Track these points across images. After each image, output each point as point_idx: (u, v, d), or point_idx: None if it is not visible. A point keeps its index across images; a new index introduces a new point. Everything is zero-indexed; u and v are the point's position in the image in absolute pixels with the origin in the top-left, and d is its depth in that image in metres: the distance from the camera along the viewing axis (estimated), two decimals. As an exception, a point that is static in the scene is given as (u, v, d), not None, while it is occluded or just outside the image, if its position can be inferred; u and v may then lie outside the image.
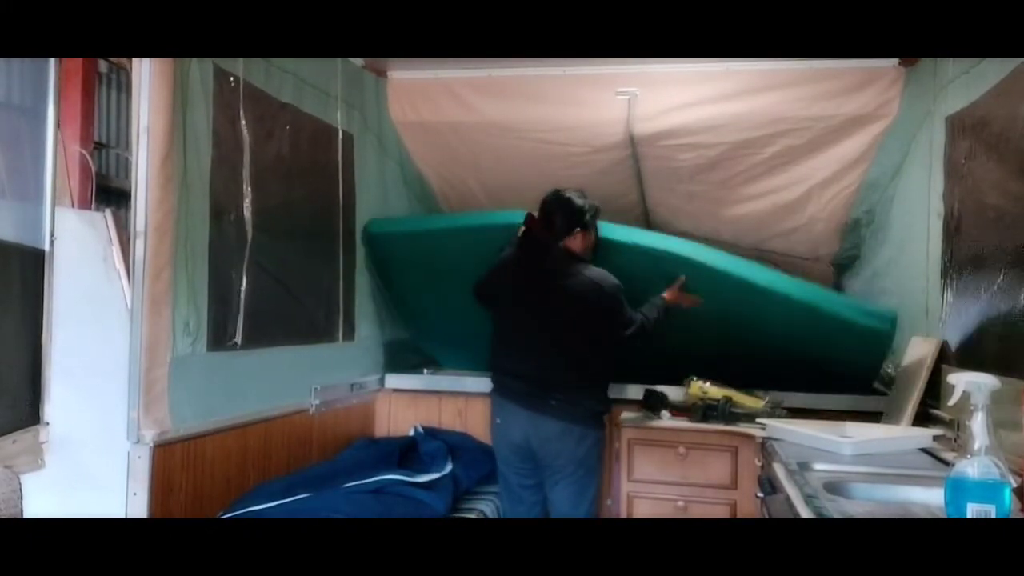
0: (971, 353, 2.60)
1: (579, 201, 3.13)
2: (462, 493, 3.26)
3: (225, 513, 2.56)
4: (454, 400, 3.81)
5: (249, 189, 2.78)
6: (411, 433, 3.72)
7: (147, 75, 2.34)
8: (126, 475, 2.32)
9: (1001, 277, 2.37)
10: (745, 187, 3.84)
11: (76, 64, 3.14)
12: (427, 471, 3.13)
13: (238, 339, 2.73)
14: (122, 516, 2.31)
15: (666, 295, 3.23)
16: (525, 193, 3.38)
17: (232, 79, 2.71)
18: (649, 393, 3.49)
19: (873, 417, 3.10)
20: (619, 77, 3.58)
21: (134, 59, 2.39)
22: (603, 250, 3.23)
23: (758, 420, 3.06)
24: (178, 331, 2.44)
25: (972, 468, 1.55)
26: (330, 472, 2.96)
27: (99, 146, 3.47)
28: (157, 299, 2.36)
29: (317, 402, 3.22)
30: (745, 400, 3.34)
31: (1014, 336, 2.27)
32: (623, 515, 3.33)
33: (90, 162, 3.15)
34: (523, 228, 3.16)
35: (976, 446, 1.56)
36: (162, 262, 2.37)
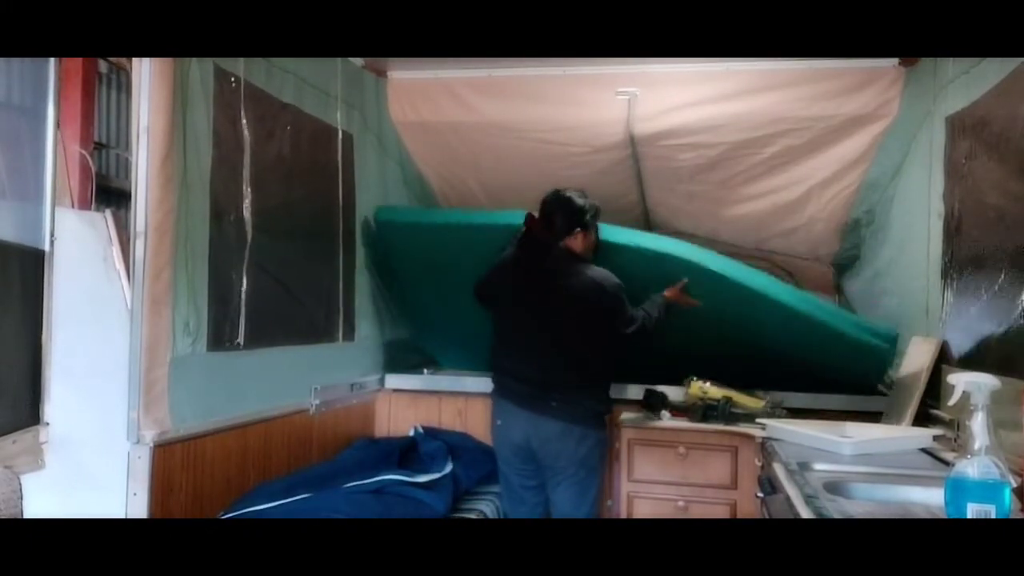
0: (971, 353, 2.60)
1: (579, 201, 3.13)
2: (462, 493, 3.25)
3: (225, 513, 2.56)
4: (454, 400, 3.80)
5: (249, 189, 2.78)
6: (411, 433, 3.72)
7: (147, 75, 2.33)
8: (126, 475, 2.32)
9: (1001, 277, 2.37)
10: (745, 187, 3.84)
11: (76, 64, 3.13)
12: (427, 471, 3.13)
13: (238, 339, 2.73)
14: (122, 516, 2.30)
15: (666, 293, 3.22)
16: (525, 193, 3.37)
17: (233, 79, 2.71)
18: (649, 393, 3.49)
19: (873, 417, 3.11)
20: (619, 77, 3.58)
21: (134, 59, 2.39)
22: (603, 252, 3.22)
23: (758, 420, 3.06)
24: (178, 331, 2.44)
25: (972, 468, 1.55)
26: (330, 472, 2.96)
27: (99, 146, 3.47)
28: (157, 299, 2.36)
29: (317, 402, 3.22)
30: (745, 400, 3.34)
31: (1014, 336, 2.27)
32: (623, 515, 3.33)
33: (90, 162, 3.15)
34: (523, 228, 3.16)
35: (976, 446, 1.56)
36: (162, 262, 2.37)
